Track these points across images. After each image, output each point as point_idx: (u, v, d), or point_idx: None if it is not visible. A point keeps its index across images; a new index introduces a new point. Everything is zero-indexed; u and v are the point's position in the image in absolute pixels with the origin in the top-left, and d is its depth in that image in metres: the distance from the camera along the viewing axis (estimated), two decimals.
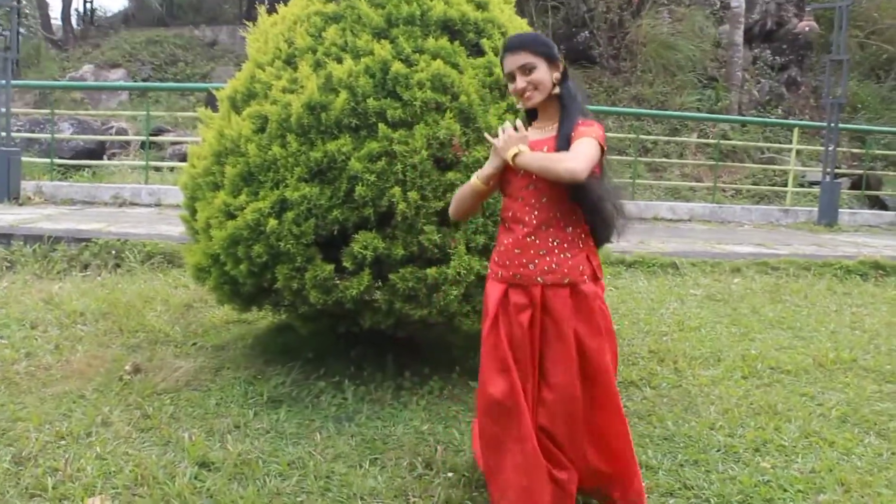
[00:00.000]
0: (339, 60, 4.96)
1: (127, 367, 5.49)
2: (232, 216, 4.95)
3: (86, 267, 8.27)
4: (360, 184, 4.72)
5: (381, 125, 4.81)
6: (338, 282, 4.82)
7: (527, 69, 3.38)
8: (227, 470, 4.12)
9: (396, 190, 4.73)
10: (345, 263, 4.82)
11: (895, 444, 4.92)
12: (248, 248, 4.88)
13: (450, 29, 5.16)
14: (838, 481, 4.35)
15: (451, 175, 4.82)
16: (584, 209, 3.45)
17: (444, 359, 5.78)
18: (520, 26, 5.51)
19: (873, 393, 5.82)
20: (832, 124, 14.49)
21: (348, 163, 4.75)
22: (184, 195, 5.64)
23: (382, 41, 5.00)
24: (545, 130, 3.50)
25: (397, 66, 4.87)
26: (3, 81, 11.94)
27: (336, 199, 4.78)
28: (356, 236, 4.80)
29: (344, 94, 4.82)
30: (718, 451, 4.69)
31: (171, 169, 15.01)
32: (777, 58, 21.03)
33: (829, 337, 7.19)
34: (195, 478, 4.03)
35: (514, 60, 3.40)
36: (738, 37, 19.79)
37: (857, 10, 17.61)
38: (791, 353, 6.59)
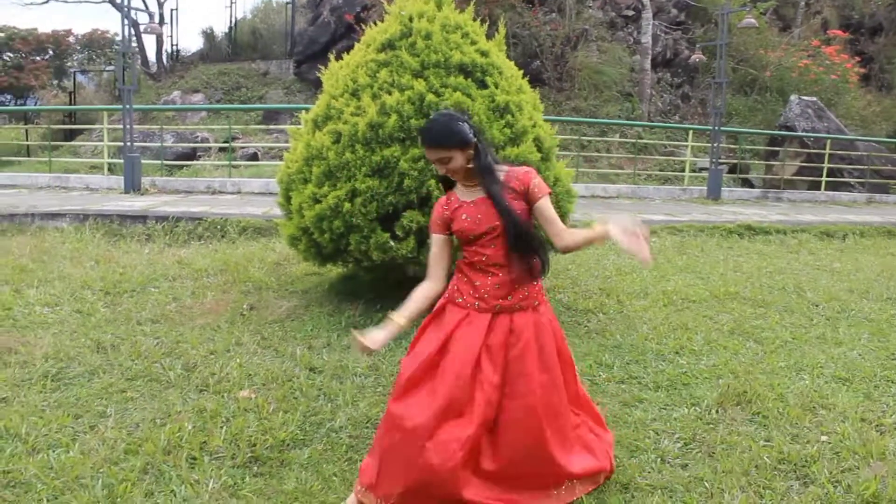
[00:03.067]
0: (390, 93, 5.17)
1: (245, 306, 5.74)
2: (318, 201, 5.20)
3: (200, 238, 8.35)
4: (406, 178, 4.99)
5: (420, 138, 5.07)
6: (392, 245, 5.08)
7: (443, 161, 2.83)
8: (328, 372, 4.43)
9: (432, 181, 4.98)
10: (397, 232, 5.09)
11: (766, 346, 5.28)
12: (331, 223, 5.14)
13: (464, 70, 5.34)
14: (731, 371, 4.70)
15: None
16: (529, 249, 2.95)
17: None
18: (510, 66, 5.66)
19: (751, 314, 6.12)
20: (716, 127, 14.68)
21: (398, 164, 5.01)
22: (280, 187, 5.83)
23: (419, 79, 5.20)
24: (473, 191, 2.94)
25: (430, 97, 5.10)
26: (127, 106, 12.03)
27: (390, 189, 5.04)
28: (405, 214, 5.07)
29: (394, 117, 5.06)
30: (651, 354, 4.99)
31: (245, 166, 15.11)
32: (674, 79, 21.09)
33: (720, 277, 7.44)
34: (307, 378, 4.33)
35: (432, 154, 2.85)
36: (647, 64, 19.85)
37: (730, 43, 17.76)
38: (695, 289, 6.85)
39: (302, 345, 4.92)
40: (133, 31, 15.79)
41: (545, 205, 2.95)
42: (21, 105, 32.17)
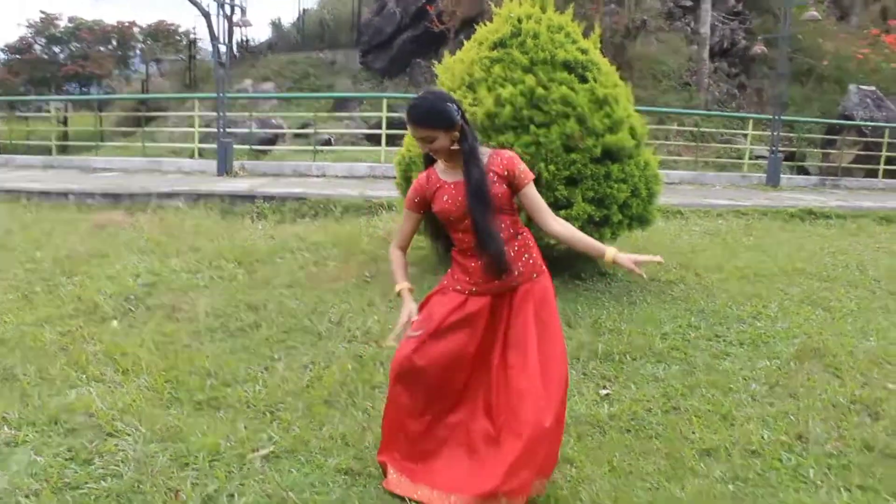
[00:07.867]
0: (503, 86, 5.80)
1: (366, 273, 6.43)
2: None
3: (304, 216, 9.04)
4: None
5: (531, 126, 5.70)
6: None
7: (427, 140, 2.80)
8: None
9: (542, 164, 5.65)
10: None
11: (834, 314, 5.88)
12: None
13: (567, 66, 5.93)
14: (804, 332, 5.32)
15: (573, 155, 5.69)
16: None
17: (565, 267, 6.38)
18: (605, 63, 6.26)
19: (818, 287, 6.71)
20: (776, 116, 15.07)
21: (512, 148, 5.56)
22: (397, 169, 6.54)
23: (529, 74, 5.82)
24: (455, 173, 2.89)
25: (539, 90, 5.75)
26: (221, 94, 12.86)
27: None
28: None
29: (508, 108, 5.71)
30: (732, 318, 5.60)
31: (326, 151, 15.80)
32: (731, 68, 21.45)
33: (786, 256, 7.98)
34: None
35: (416, 132, 2.80)
36: (705, 54, 20.23)
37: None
38: (764, 265, 7.43)
39: None
40: (207, 23, 16.61)
41: (531, 191, 2.94)
42: (85, 94, 33.41)
